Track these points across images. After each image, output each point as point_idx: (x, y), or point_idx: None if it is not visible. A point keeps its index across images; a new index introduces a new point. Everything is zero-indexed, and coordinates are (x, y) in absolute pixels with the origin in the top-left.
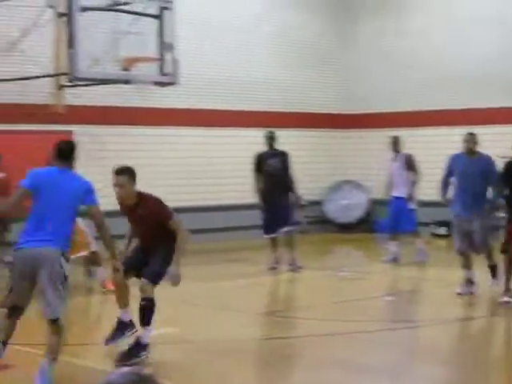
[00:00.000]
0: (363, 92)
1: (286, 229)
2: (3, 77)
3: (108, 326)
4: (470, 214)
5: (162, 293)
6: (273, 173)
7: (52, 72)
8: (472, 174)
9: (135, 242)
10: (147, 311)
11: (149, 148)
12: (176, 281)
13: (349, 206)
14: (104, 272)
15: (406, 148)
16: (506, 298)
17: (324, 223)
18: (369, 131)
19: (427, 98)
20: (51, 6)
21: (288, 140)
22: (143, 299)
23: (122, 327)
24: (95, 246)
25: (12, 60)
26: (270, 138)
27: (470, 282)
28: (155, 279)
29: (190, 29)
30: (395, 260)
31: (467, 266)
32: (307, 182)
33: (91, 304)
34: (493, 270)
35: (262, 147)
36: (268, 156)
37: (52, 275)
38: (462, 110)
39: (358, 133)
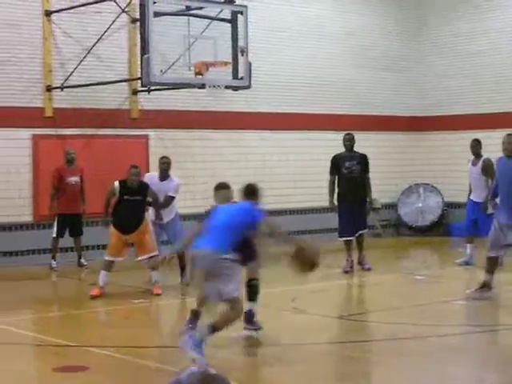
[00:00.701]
0: (438, 94)
1: (360, 232)
2: (79, 82)
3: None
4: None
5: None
6: (350, 175)
7: (126, 77)
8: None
9: None
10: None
11: (222, 152)
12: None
13: (423, 209)
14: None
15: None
16: None
17: (398, 226)
18: (444, 134)
19: (502, 99)
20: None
21: (363, 143)
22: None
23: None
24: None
25: (87, 66)
26: (349, 140)
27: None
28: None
29: (263, 33)
30: (468, 263)
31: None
32: (382, 184)
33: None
34: None
35: (340, 150)
36: (346, 159)
37: None
38: None
39: (432, 135)
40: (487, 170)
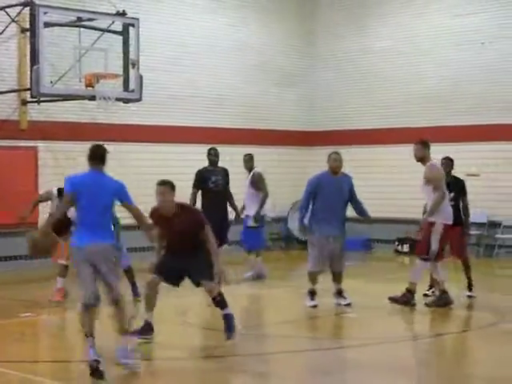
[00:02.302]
0: (327, 110)
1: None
2: None
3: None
4: None
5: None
6: (214, 189)
7: (16, 87)
8: None
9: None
10: (222, 302)
11: (110, 164)
12: (225, 279)
13: None
14: None
15: None
16: None
17: (288, 240)
18: (334, 148)
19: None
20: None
21: (256, 157)
22: (215, 297)
23: (147, 329)
24: None
25: None
26: (215, 155)
27: None
28: (213, 277)
29: (153, 46)
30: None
31: None
32: (274, 198)
33: None
34: None
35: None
36: (212, 173)
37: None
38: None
39: (323, 150)
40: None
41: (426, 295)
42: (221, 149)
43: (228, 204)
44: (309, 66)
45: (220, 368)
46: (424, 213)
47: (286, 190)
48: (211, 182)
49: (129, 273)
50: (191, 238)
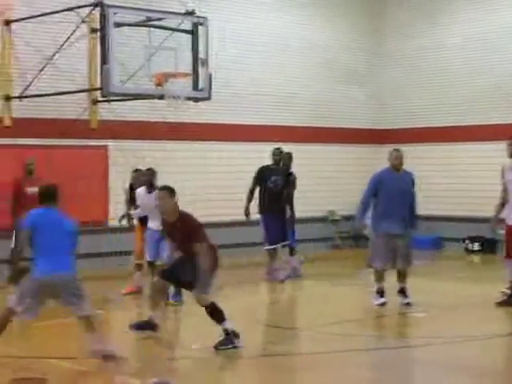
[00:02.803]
0: (397, 108)
1: (281, 244)
2: (38, 92)
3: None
4: None
5: None
6: (273, 189)
7: (86, 87)
8: None
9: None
10: (215, 313)
11: (182, 163)
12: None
13: None
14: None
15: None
16: None
17: (357, 238)
18: (402, 146)
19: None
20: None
21: (324, 155)
22: (206, 308)
23: (146, 325)
24: None
25: (47, 75)
26: (277, 155)
27: None
28: (206, 290)
29: (223, 44)
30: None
31: None
32: (343, 196)
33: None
34: None
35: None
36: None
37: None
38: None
39: (391, 148)
40: None
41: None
42: (287, 147)
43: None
44: (376, 63)
45: (283, 366)
46: (498, 210)
47: (354, 187)
48: (271, 181)
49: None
50: (189, 246)
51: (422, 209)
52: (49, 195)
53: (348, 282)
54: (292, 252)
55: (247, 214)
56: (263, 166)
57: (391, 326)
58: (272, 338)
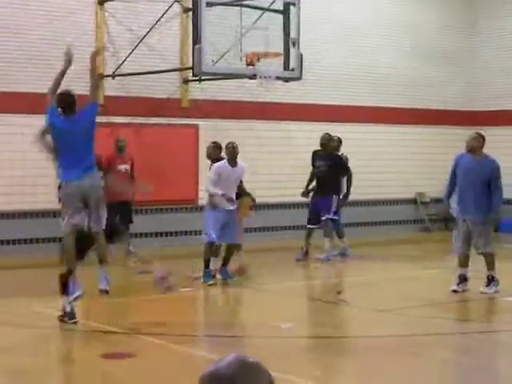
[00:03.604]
0: (489, 90)
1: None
2: (131, 71)
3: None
4: None
5: None
6: (318, 174)
7: (178, 66)
8: None
9: None
10: None
11: (272, 143)
12: None
13: None
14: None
15: None
16: None
17: (447, 221)
18: (500, 129)
19: None
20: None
21: (416, 137)
22: None
23: None
24: None
25: (139, 54)
26: (323, 139)
27: None
28: None
29: (314, 25)
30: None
31: None
32: (433, 178)
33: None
34: None
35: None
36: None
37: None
38: None
39: (488, 130)
40: None
41: None
42: (380, 128)
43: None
44: (470, 44)
45: (366, 348)
46: None
47: (444, 170)
48: (316, 166)
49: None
50: None
51: (508, 192)
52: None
53: (438, 265)
54: (338, 235)
55: (304, 194)
56: (314, 151)
57: (477, 310)
58: (357, 320)
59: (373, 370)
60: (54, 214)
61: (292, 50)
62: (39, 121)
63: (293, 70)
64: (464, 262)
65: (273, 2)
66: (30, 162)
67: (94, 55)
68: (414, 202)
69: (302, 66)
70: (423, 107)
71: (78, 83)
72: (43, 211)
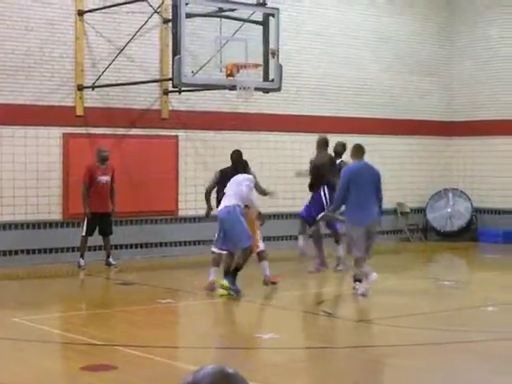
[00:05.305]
0: (466, 100)
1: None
2: (110, 81)
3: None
4: None
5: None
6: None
7: (158, 77)
8: None
9: None
10: None
11: (251, 153)
12: None
13: (452, 215)
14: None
15: None
16: None
17: (427, 231)
18: (472, 139)
19: None
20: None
21: (393, 147)
22: None
23: None
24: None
25: (119, 65)
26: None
27: None
28: None
29: (292, 36)
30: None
31: None
32: (411, 189)
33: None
34: None
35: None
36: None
37: None
38: None
39: (461, 140)
40: None
41: None
42: (360, 139)
43: None
44: (447, 55)
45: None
46: None
47: (423, 179)
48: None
49: None
50: None
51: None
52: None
53: (416, 275)
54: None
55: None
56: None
57: (475, 319)
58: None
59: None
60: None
61: (271, 61)
62: (15, 133)
63: (272, 80)
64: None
65: (252, 14)
66: None
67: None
68: (394, 212)
69: (281, 76)
70: (402, 118)
71: (55, 95)
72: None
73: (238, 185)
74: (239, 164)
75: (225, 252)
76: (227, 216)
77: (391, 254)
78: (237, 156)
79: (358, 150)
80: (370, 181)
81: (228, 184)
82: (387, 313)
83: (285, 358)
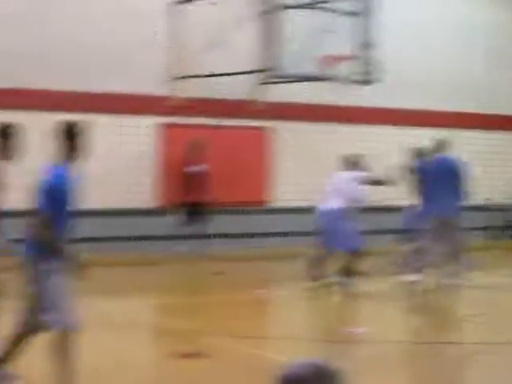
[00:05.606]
0: None
1: None
2: (208, 72)
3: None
4: None
5: None
6: None
7: (254, 68)
8: None
9: None
10: None
11: (347, 146)
12: None
13: None
14: None
15: None
16: None
17: None
18: None
19: None
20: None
21: (490, 142)
22: None
23: None
24: None
25: (217, 56)
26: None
27: None
28: None
29: (391, 28)
30: None
31: None
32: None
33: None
34: None
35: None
36: None
37: None
38: None
39: None
40: None
41: None
42: (444, 133)
43: None
44: None
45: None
46: None
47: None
48: None
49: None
50: None
51: None
52: None
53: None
54: None
55: None
56: None
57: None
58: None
59: None
60: None
61: (368, 54)
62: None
63: (368, 73)
64: None
65: (349, 6)
66: None
67: None
68: (483, 208)
69: (377, 69)
70: (491, 112)
71: (151, 84)
72: None
73: None
74: None
75: None
76: None
77: (480, 251)
78: None
79: (439, 144)
80: (447, 175)
81: None
82: (480, 309)
83: (377, 352)
